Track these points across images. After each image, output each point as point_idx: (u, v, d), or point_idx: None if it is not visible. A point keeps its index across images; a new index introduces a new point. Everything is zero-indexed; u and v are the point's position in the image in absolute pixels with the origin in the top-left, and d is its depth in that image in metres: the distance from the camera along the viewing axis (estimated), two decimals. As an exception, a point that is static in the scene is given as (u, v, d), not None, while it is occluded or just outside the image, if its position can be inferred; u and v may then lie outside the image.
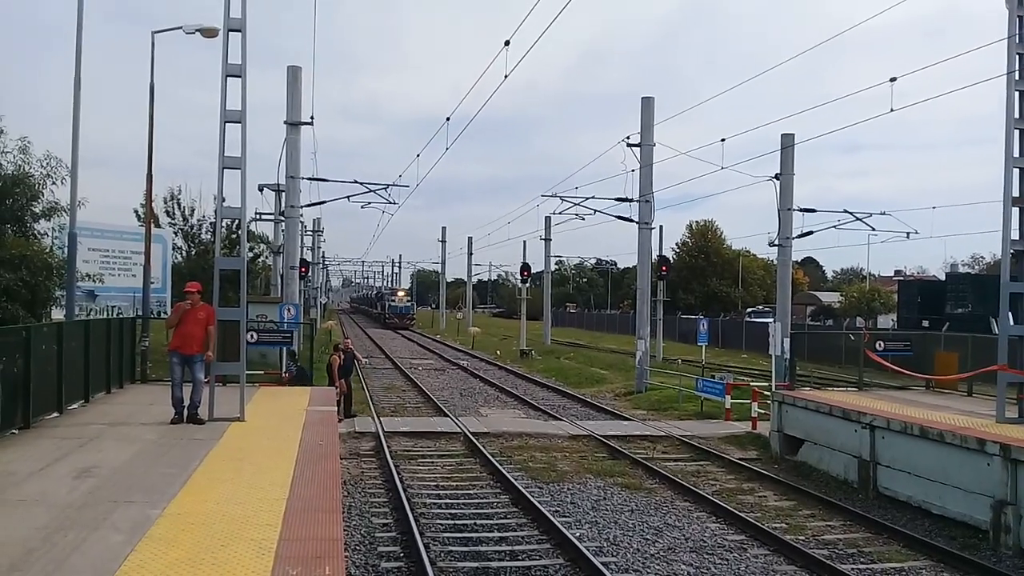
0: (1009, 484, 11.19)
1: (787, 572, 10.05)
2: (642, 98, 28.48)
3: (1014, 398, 13.99)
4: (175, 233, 41.55)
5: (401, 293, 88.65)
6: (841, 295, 75.24)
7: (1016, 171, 13.78)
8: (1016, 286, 13.79)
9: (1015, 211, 13.78)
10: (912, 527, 12.16)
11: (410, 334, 69.71)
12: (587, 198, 32.81)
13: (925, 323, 39.22)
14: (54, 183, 20.34)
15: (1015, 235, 13.78)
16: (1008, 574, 9.92)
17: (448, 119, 26.22)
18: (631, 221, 29.75)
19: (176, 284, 30.68)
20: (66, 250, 19.22)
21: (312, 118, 25.66)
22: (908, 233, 32.12)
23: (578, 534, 11.16)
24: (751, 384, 23.73)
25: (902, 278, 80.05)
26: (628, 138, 28.29)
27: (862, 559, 10.72)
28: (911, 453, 13.33)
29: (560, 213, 34.72)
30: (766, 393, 20.74)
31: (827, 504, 13.35)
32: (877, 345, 19.35)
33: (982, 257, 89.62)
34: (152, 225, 24.87)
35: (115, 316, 25.94)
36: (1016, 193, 13.77)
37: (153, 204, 26.66)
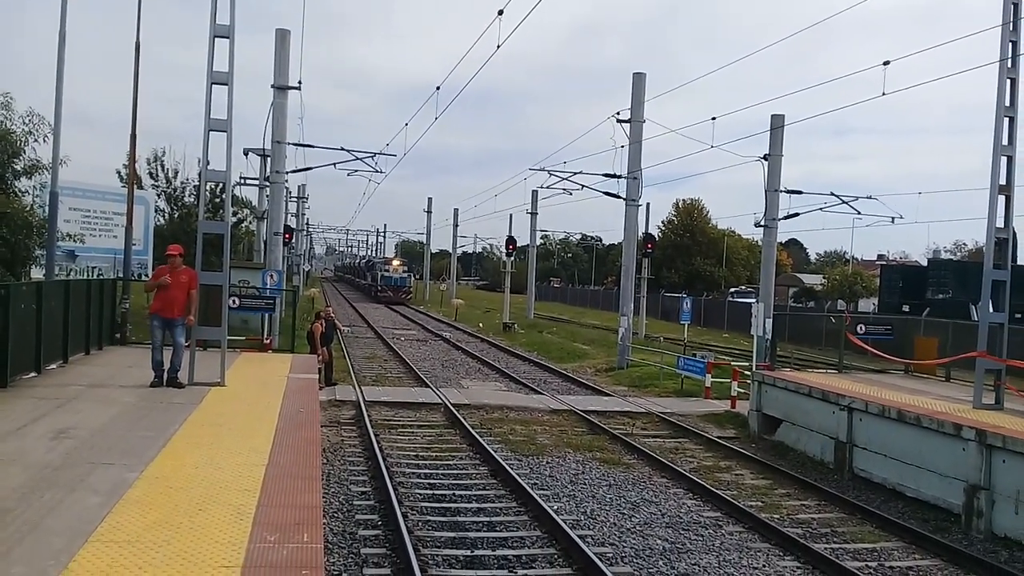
0: (983, 469, 11.32)
1: (761, 549, 10.15)
2: (633, 74, 28.33)
3: (991, 385, 14.13)
4: (158, 195, 41.27)
5: (396, 263, 75.25)
6: (824, 278, 75.66)
7: (1004, 159, 13.83)
8: (998, 273, 13.88)
9: (1001, 199, 13.83)
10: (886, 509, 12.30)
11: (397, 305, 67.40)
12: (575, 173, 32.82)
13: (906, 308, 39.50)
14: (36, 140, 20.09)
15: (1000, 223, 13.85)
16: (979, 557, 10.06)
17: (438, 88, 26.07)
18: (618, 197, 29.74)
19: (158, 247, 30.43)
20: (47, 209, 19.01)
21: (300, 83, 25.41)
22: (893, 218, 32.30)
23: (556, 507, 11.22)
24: (732, 363, 23.87)
25: (884, 262, 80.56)
26: (618, 114, 28.21)
27: (835, 538, 10.84)
28: (888, 436, 13.47)
29: (548, 187, 34.73)
30: (746, 373, 20.87)
31: (803, 484, 13.48)
32: (858, 328, 19.48)
33: (964, 244, 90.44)
34: (135, 186, 24.59)
35: (95, 277, 25.73)
36: (1003, 181, 13.82)
37: (136, 165, 26.35)
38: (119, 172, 41.46)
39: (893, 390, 15.88)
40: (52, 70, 17.66)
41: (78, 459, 7.66)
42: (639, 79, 28.20)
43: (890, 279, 48.09)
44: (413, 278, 78.32)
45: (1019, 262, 34.43)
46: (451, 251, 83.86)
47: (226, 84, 12.15)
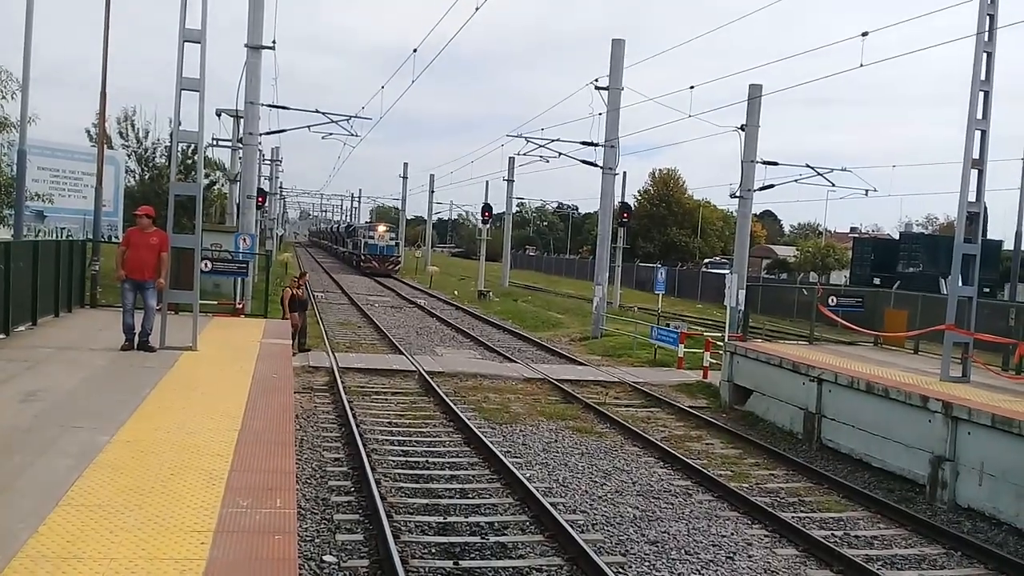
0: (949, 441, 11.52)
1: (730, 518, 10.30)
2: (612, 40, 28.17)
3: (959, 357, 14.34)
4: (128, 155, 40.56)
5: (383, 228, 64.86)
6: (797, 250, 76.21)
7: (978, 133, 13.90)
8: (969, 248, 14.03)
9: (974, 173, 13.94)
10: (852, 479, 12.50)
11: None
12: (552, 140, 32.67)
13: (877, 280, 40.00)
14: (4, 97, 19.62)
15: (972, 197, 13.97)
16: (943, 528, 10.26)
17: (415, 51, 25.75)
18: (595, 166, 29.67)
19: (128, 208, 29.98)
20: (15, 168, 18.64)
21: (274, 43, 24.97)
22: (867, 191, 32.48)
23: (528, 475, 11.29)
24: (704, 334, 24.05)
25: (857, 235, 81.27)
26: (596, 81, 28.04)
27: (802, 508, 11.01)
28: (856, 407, 13.65)
29: (525, 154, 34.60)
30: (719, 343, 21.04)
31: (772, 454, 13.65)
32: (830, 300, 19.66)
33: (936, 218, 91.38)
34: (105, 146, 24.14)
35: (65, 238, 25.35)
36: (976, 155, 13.92)
37: (106, 125, 25.87)
38: (88, 131, 40.74)
39: (862, 362, 16.07)
40: (21, 25, 17.21)
41: (48, 422, 7.58)
42: (618, 46, 28.03)
43: (862, 252, 48.62)
44: (401, 246, 68.65)
45: (989, 237, 34.96)
46: (426, 218, 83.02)
47: (199, 42, 11.92)
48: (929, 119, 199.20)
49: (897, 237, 57.47)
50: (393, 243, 63.39)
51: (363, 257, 62.08)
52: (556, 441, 13.66)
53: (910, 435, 12.32)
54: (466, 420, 14.07)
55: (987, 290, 31.92)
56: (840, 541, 9.72)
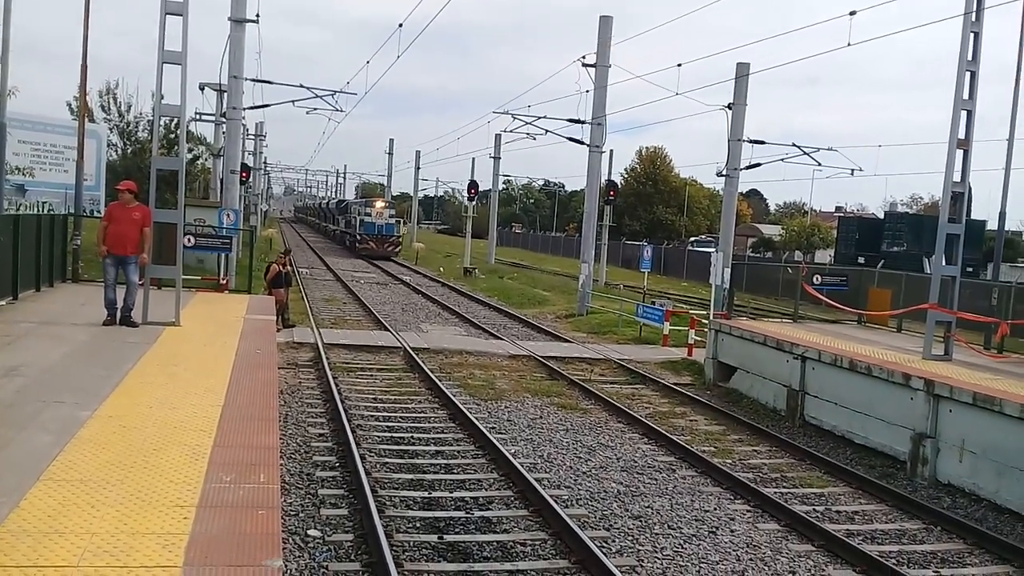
0: (930, 418, 11.63)
1: (713, 493, 10.37)
2: (600, 17, 27.99)
3: (941, 336, 14.44)
4: (110, 129, 40.04)
5: (380, 204, 56.11)
6: (782, 228, 76.39)
7: (964, 113, 13.92)
8: (953, 227, 14.08)
9: (959, 153, 13.97)
10: (834, 455, 12.62)
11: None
12: (539, 117, 32.53)
13: (861, 259, 40.19)
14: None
15: (956, 177, 14.00)
16: (923, 503, 10.37)
17: (401, 25, 25.52)
18: (582, 143, 29.56)
19: (110, 182, 29.68)
20: (-6, 141, 18.38)
21: (257, 16, 24.67)
22: (852, 170, 32.49)
23: (513, 451, 11.33)
24: (689, 312, 24.13)
25: (842, 214, 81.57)
26: (584, 58, 27.89)
27: (785, 483, 11.10)
28: (839, 384, 13.74)
29: (511, 131, 34.45)
30: (704, 321, 21.10)
31: (755, 430, 13.75)
32: (814, 279, 19.73)
33: (921, 197, 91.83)
34: (86, 119, 23.84)
35: (46, 212, 25.09)
36: (962, 135, 13.94)
37: (87, 98, 25.51)
38: (69, 104, 40.19)
39: (846, 340, 16.16)
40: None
41: (28, 397, 7.51)
42: (606, 22, 27.86)
43: (847, 231, 48.84)
44: (400, 224, 59.74)
45: (973, 217, 35.16)
46: (412, 194, 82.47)
47: (181, 15, 11.74)
48: (915, 99, 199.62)
49: (882, 216, 57.75)
50: (393, 221, 55.44)
51: (359, 237, 54.27)
52: (541, 417, 13.70)
53: (892, 412, 12.43)
54: (451, 396, 14.07)
55: (970, 270, 32.14)
56: (821, 516, 9.81)
